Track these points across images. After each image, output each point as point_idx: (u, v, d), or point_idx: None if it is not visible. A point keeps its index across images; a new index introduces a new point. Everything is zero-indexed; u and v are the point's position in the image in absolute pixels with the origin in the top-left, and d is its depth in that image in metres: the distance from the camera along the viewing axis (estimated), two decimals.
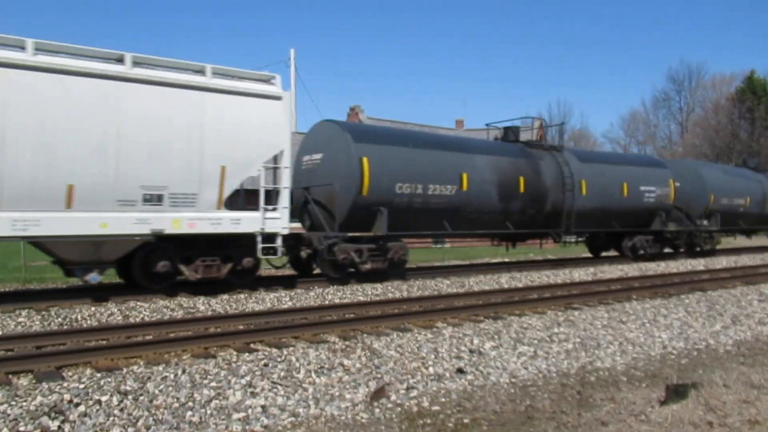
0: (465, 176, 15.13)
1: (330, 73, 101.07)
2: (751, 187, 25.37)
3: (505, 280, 14.56)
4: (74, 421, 5.07)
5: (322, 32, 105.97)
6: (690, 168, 23.65)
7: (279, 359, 6.90)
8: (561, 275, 15.64)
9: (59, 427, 4.97)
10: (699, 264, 19.43)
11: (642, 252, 20.19)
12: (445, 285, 13.49)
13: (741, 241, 29.99)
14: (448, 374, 6.96)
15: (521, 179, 16.45)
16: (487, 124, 19.69)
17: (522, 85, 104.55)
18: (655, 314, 10.59)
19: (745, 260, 21.09)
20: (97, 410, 5.27)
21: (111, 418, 5.19)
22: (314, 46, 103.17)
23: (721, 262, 20.46)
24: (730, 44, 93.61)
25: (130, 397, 5.58)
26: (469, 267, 18.10)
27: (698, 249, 22.39)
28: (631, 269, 17.50)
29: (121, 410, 5.34)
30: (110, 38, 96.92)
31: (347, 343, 7.78)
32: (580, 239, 21.05)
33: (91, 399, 5.44)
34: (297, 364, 6.74)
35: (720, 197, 23.05)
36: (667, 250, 21.76)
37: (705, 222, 22.41)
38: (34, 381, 6.01)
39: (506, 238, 18.05)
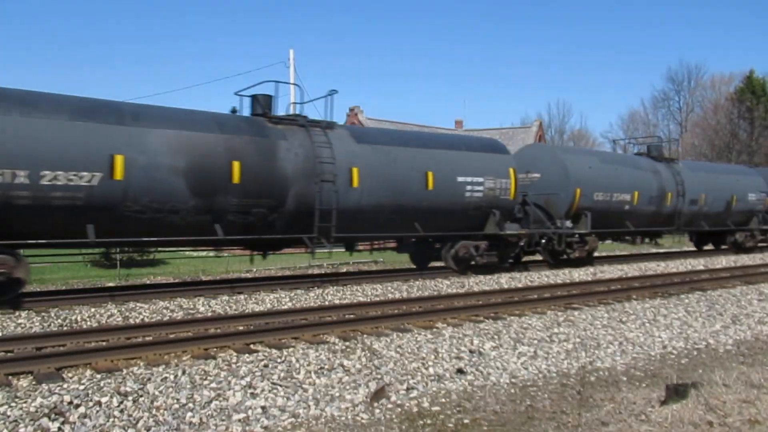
0: (120, 159, 10.62)
1: (330, 73, 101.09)
2: (643, 179, 19.93)
3: (504, 281, 14.56)
4: (74, 423, 5.07)
5: (322, 33, 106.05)
6: (550, 155, 18.70)
7: (279, 360, 6.90)
8: (561, 275, 15.64)
9: (59, 428, 4.97)
10: (698, 264, 19.43)
11: (473, 263, 15.30)
12: (444, 285, 13.48)
13: (648, 247, 25.14)
14: (448, 375, 6.96)
15: (236, 165, 11.79)
16: (236, 93, 13.24)
17: (522, 85, 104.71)
18: (654, 314, 10.59)
19: (745, 260, 21.09)
20: (97, 411, 5.28)
21: (111, 420, 5.19)
22: (314, 47, 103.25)
23: (721, 261, 20.47)
24: (730, 44, 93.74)
25: (130, 398, 5.58)
26: None
27: (564, 257, 17.76)
28: (631, 269, 17.51)
29: (121, 411, 5.34)
30: (109, 38, 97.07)
31: (347, 343, 7.78)
32: (335, 248, 14.43)
33: (91, 400, 5.44)
34: (297, 365, 6.75)
35: (591, 192, 17.99)
36: (534, 257, 18.15)
37: (568, 223, 17.49)
38: (34, 382, 6.01)
39: (231, 244, 12.92)
